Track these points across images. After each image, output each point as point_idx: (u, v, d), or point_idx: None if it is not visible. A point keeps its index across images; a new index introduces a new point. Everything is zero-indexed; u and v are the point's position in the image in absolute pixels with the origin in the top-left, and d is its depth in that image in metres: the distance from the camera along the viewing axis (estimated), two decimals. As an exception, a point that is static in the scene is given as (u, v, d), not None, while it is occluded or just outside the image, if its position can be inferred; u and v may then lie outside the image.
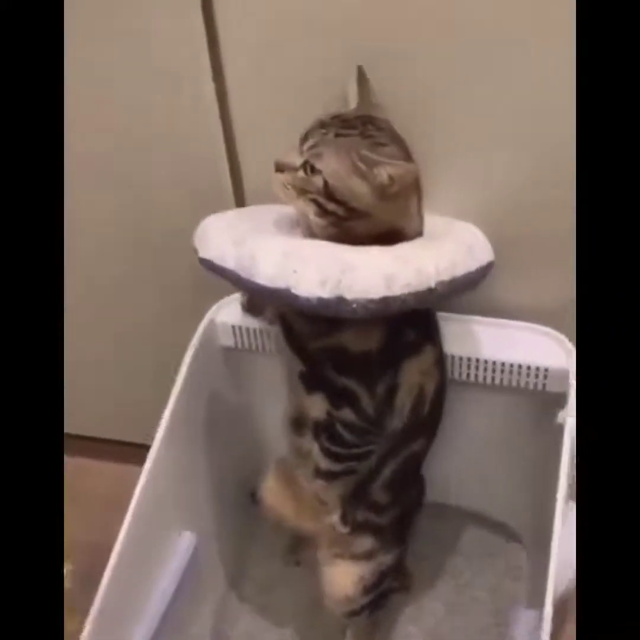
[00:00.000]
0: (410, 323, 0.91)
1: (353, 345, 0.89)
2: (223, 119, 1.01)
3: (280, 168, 0.86)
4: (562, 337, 1.03)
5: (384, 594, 1.11)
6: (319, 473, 0.98)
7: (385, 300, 0.80)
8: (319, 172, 0.83)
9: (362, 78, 0.89)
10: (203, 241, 0.90)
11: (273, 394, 1.18)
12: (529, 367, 1.03)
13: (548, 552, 0.86)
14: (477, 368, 1.05)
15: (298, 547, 1.29)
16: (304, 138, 0.86)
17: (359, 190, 0.83)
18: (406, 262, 0.82)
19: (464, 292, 0.88)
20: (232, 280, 0.86)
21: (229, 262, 0.86)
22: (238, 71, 0.98)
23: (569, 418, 0.97)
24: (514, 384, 1.05)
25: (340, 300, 0.79)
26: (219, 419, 1.18)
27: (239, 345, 1.14)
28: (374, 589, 1.07)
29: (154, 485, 0.99)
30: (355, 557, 1.05)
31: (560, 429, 1.00)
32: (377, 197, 0.84)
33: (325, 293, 0.79)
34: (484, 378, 1.05)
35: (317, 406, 0.93)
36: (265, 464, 1.16)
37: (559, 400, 1.01)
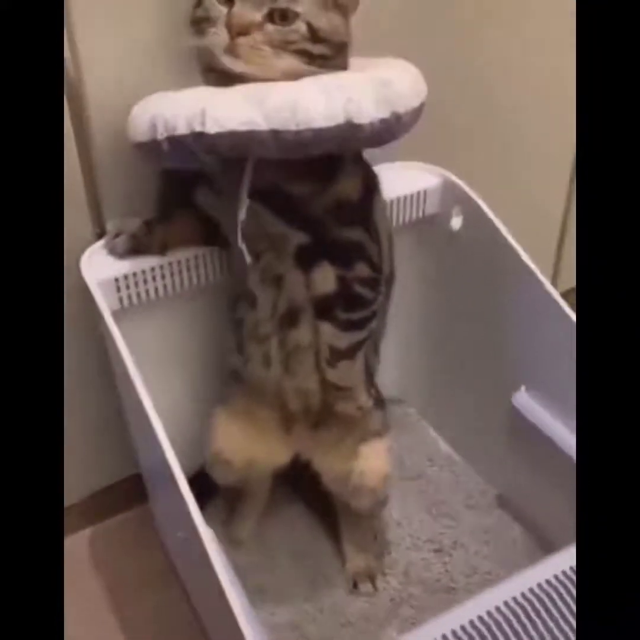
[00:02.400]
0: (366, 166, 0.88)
1: (351, 193, 0.84)
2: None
3: (242, 30, 0.74)
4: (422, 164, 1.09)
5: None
6: (339, 354, 0.88)
7: (421, 107, 0.80)
8: (297, 16, 0.75)
9: None
10: (205, 117, 0.72)
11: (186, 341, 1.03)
12: (411, 195, 1.07)
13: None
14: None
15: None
16: None
17: (336, 21, 0.79)
18: (409, 72, 0.81)
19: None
20: (264, 145, 0.72)
21: (260, 123, 0.71)
22: None
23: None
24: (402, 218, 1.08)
25: (396, 117, 0.76)
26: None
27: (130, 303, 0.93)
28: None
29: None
30: (377, 433, 0.99)
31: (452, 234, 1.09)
32: (346, 20, 0.80)
33: (384, 113, 0.74)
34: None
35: (324, 278, 0.84)
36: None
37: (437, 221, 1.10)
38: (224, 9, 0.76)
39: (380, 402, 1.01)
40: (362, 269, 0.85)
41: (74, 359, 0.99)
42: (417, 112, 0.79)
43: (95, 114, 0.89)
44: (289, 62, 0.77)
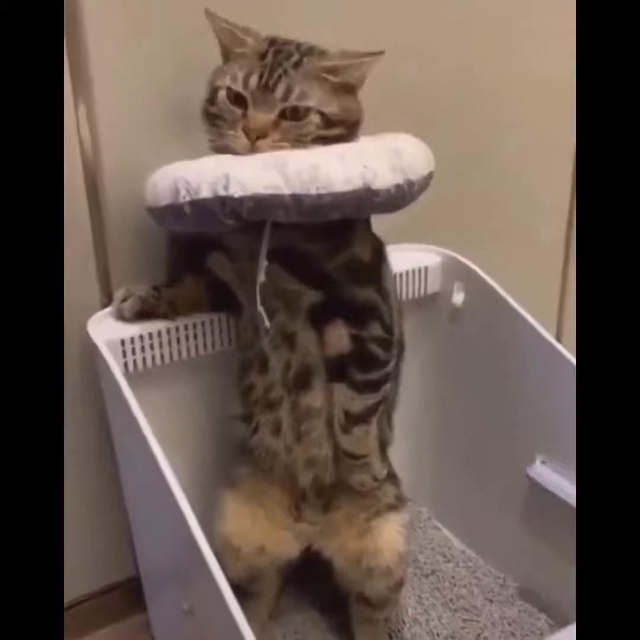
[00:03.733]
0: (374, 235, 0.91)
1: (363, 255, 0.85)
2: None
3: (261, 133, 0.79)
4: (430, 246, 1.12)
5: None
6: (354, 419, 0.86)
7: (430, 176, 0.82)
8: (310, 109, 0.79)
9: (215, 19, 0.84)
10: (229, 181, 0.73)
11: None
12: (413, 271, 1.09)
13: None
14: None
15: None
16: (265, 87, 0.79)
17: (348, 103, 0.83)
18: (418, 144, 0.84)
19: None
20: (286, 208, 0.73)
21: (282, 187, 0.72)
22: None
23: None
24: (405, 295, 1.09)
25: (408, 184, 0.78)
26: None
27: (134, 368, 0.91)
28: (408, 544, 0.96)
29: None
30: (392, 508, 0.94)
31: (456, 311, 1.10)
32: (356, 98, 0.84)
33: (398, 179, 0.77)
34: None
35: (338, 336, 0.83)
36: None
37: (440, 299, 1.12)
38: (237, 110, 0.80)
39: (392, 476, 0.97)
40: (375, 328, 0.84)
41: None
42: (426, 181, 0.82)
43: (109, 186, 0.92)
44: (304, 150, 0.79)
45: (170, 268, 0.96)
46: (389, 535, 0.93)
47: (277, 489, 0.93)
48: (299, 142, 0.79)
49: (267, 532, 0.93)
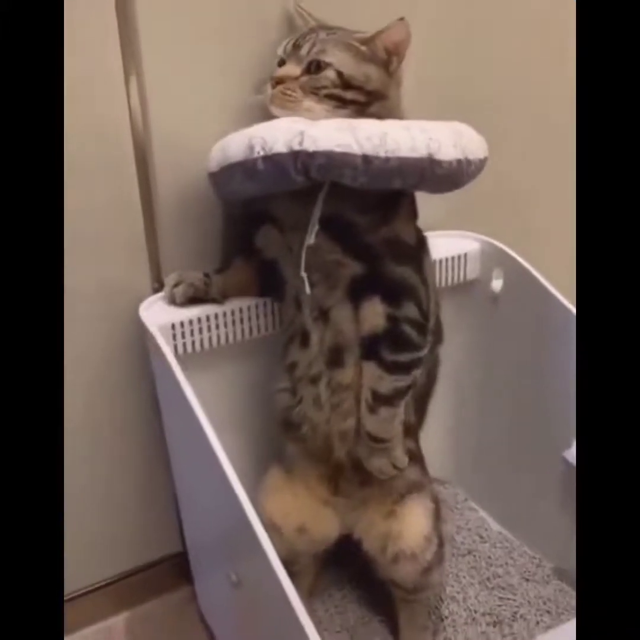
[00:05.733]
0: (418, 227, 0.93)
1: (405, 236, 0.88)
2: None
3: (280, 80, 0.85)
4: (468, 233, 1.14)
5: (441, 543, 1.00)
6: (381, 400, 0.88)
7: (485, 160, 0.86)
8: (329, 65, 0.84)
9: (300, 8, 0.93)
10: (305, 137, 0.77)
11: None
12: (452, 258, 1.12)
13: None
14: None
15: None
16: (296, 46, 0.86)
17: (371, 72, 0.86)
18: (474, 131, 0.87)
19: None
20: (355, 168, 0.76)
21: (354, 147, 0.76)
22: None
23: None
24: (444, 281, 1.12)
25: (467, 162, 0.81)
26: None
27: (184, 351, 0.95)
28: (438, 524, 0.98)
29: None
30: (413, 489, 0.97)
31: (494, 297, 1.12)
32: (386, 73, 0.88)
33: (459, 154, 0.80)
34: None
35: (374, 313, 0.86)
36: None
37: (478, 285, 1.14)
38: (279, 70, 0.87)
39: (417, 457, 0.99)
40: (411, 310, 0.86)
41: (116, 425, 1.02)
42: (481, 164, 0.85)
43: (160, 173, 0.95)
44: (316, 104, 0.84)
45: (223, 252, 1.00)
46: (412, 519, 0.95)
47: (319, 464, 0.96)
48: (313, 94, 0.85)
49: (308, 509, 0.96)
